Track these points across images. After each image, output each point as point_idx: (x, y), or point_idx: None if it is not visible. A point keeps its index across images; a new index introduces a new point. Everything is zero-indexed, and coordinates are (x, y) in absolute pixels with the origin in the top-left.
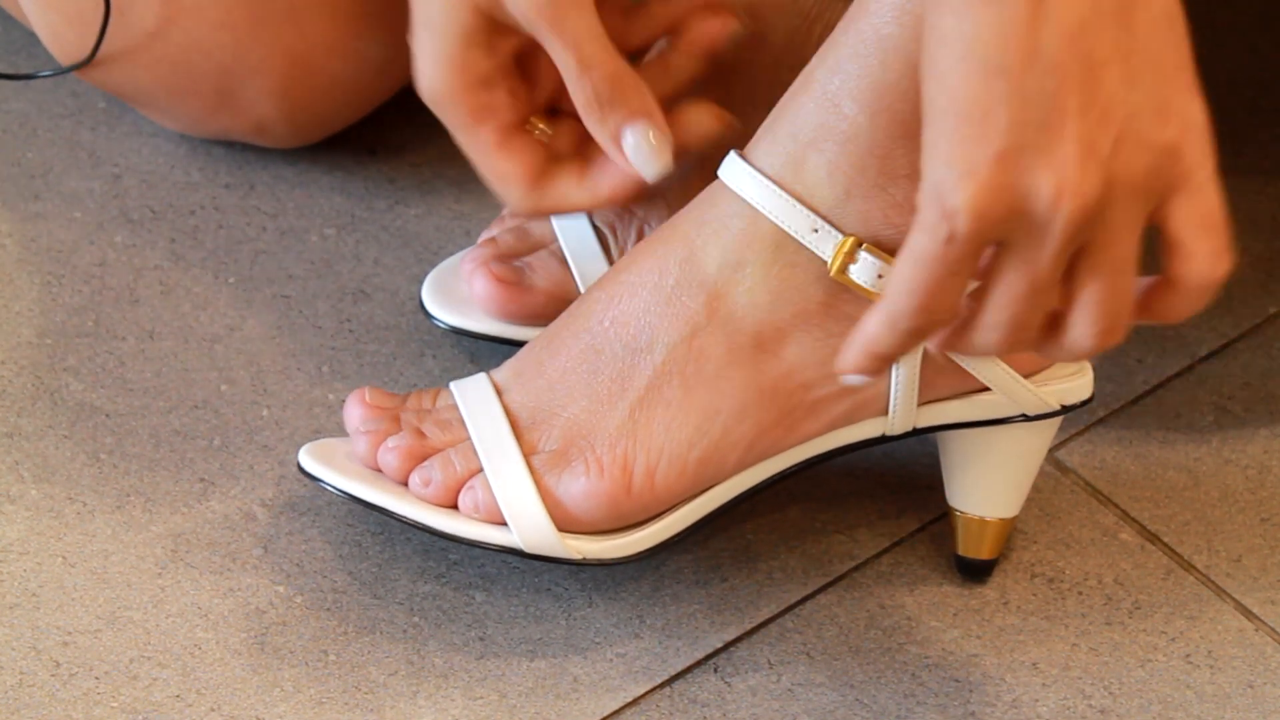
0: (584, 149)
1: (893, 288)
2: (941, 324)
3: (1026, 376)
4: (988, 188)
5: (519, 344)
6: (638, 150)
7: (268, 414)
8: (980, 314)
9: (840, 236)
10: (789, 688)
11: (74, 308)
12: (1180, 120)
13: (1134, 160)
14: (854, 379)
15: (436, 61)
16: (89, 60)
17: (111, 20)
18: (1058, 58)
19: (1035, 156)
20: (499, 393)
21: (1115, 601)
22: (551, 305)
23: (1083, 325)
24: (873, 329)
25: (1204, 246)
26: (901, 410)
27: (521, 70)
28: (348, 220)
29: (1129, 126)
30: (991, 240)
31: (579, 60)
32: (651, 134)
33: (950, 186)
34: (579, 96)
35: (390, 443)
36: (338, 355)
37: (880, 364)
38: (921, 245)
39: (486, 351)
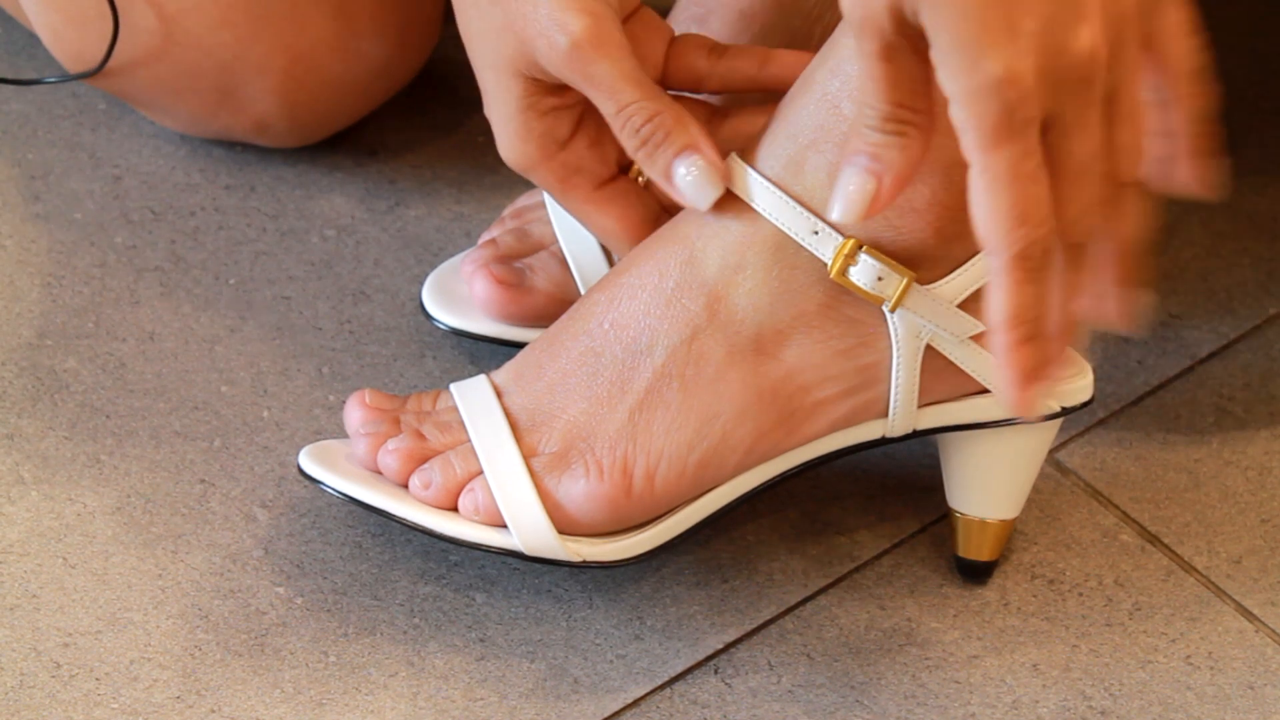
0: None
1: (988, 230)
2: (1047, 232)
3: None
4: (1040, 55)
5: (519, 345)
6: (689, 184)
7: (268, 415)
8: (1069, 208)
9: (840, 239)
10: (789, 689)
11: (74, 309)
12: None
13: None
14: (1042, 403)
15: (507, 134)
16: (98, 70)
17: (109, 23)
18: None
19: (1071, 13)
20: (499, 395)
21: (1116, 603)
22: (552, 307)
23: (1129, 166)
24: (1002, 309)
25: (1187, 45)
26: (902, 412)
27: (599, 122)
28: (348, 221)
29: None
30: (1049, 111)
31: (615, 105)
32: (700, 166)
33: (1011, 72)
34: (623, 141)
35: (390, 445)
36: (338, 356)
37: (1051, 355)
38: (1001, 158)
39: (487, 353)
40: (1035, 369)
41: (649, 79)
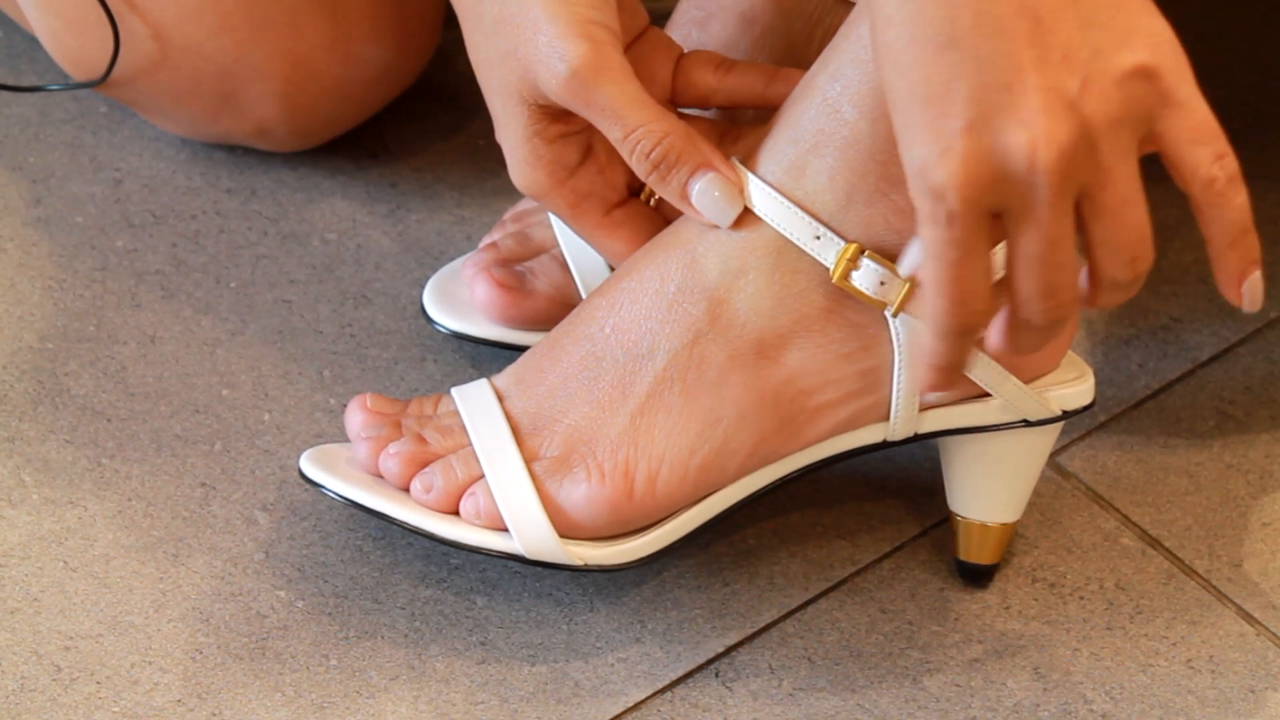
0: None
1: (927, 293)
2: (981, 315)
3: (1028, 382)
4: (965, 159)
5: (520, 349)
6: (709, 204)
7: (269, 419)
8: (1015, 293)
9: (842, 243)
10: (790, 692)
11: (76, 312)
12: (1146, 40)
13: (1108, 95)
14: (937, 396)
15: (516, 161)
16: (101, 81)
17: (109, 28)
18: (1004, 19)
19: (1003, 117)
20: (500, 399)
21: (1116, 606)
22: (553, 310)
23: (1109, 262)
24: (928, 343)
25: (1202, 154)
26: (903, 416)
27: (607, 147)
28: (349, 225)
29: (1094, 65)
30: (988, 208)
31: (621, 131)
32: (718, 184)
33: (931, 167)
34: (633, 166)
35: (391, 449)
36: (339, 360)
37: (950, 375)
38: (930, 237)
39: (488, 356)
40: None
41: (653, 101)
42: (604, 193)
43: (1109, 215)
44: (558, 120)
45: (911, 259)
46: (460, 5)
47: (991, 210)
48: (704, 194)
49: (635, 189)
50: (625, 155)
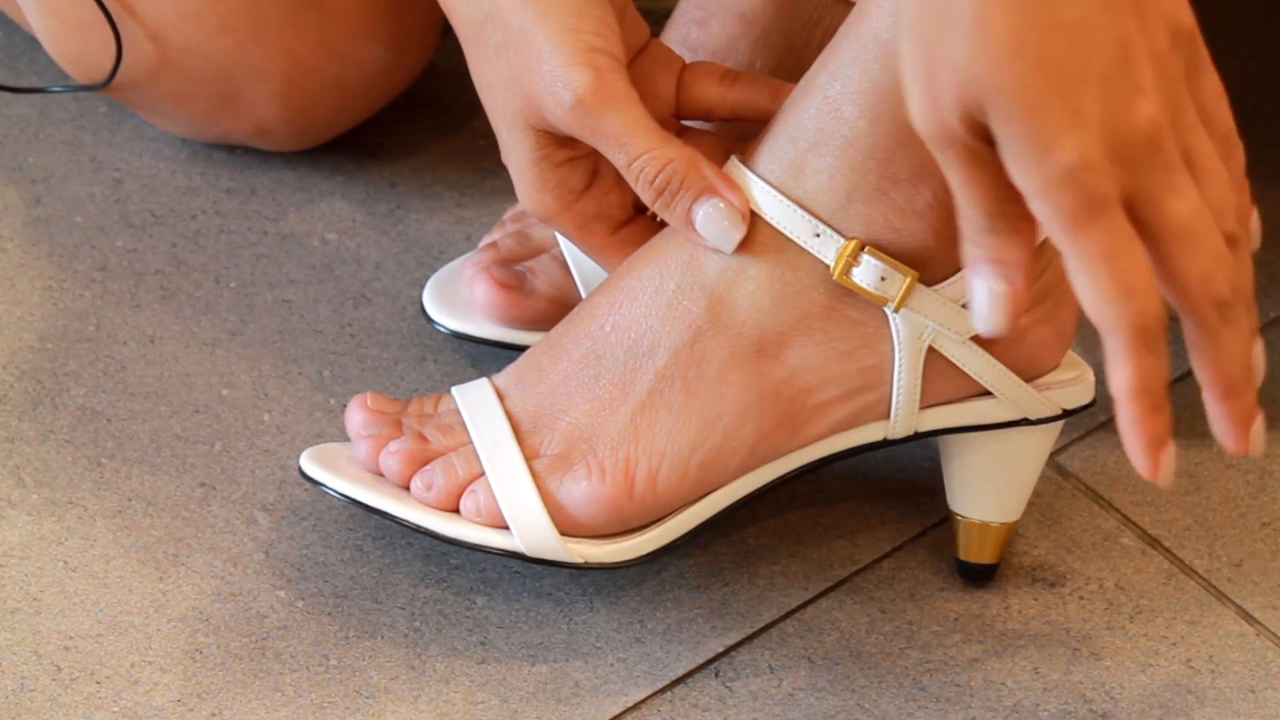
0: None
1: (1098, 306)
2: (1151, 297)
3: (1028, 381)
4: (1109, 138)
5: (520, 349)
6: (711, 229)
7: (269, 419)
8: (1188, 262)
9: (842, 240)
10: (790, 692)
11: (75, 312)
12: (1187, 2)
13: (1179, 53)
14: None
15: (523, 185)
16: (104, 85)
17: (109, 28)
18: None
19: (1128, 87)
20: (500, 397)
21: (1116, 606)
22: (553, 310)
23: (1226, 221)
24: (1126, 383)
25: (1223, 108)
26: (903, 414)
27: (613, 168)
28: (349, 225)
29: (1169, 21)
30: (1128, 186)
31: (626, 158)
32: (720, 210)
33: (1081, 164)
34: (639, 191)
35: (392, 447)
36: (339, 360)
37: (1154, 394)
38: (1087, 244)
39: (488, 356)
40: (1162, 436)
41: (657, 126)
42: (611, 213)
43: (1211, 175)
44: (564, 145)
45: (982, 307)
46: (463, 30)
47: (1130, 191)
48: (707, 219)
49: (641, 206)
50: (630, 181)
